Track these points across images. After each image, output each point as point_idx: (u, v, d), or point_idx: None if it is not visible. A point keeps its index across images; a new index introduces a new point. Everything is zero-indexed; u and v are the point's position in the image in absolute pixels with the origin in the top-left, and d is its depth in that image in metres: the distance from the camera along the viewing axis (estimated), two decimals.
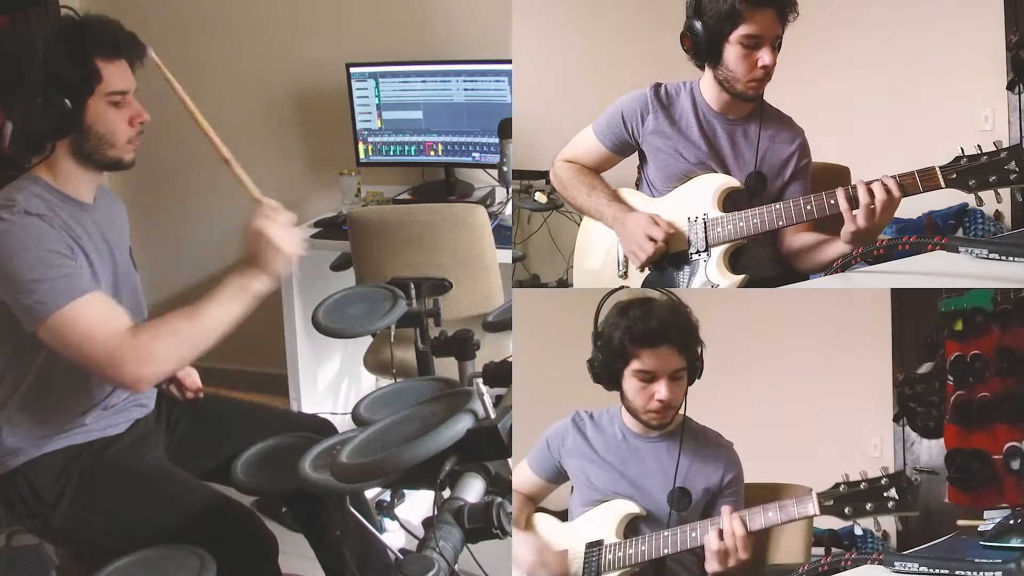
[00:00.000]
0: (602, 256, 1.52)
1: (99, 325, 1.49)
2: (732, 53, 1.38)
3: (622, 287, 1.42)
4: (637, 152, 1.52)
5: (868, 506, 1.17)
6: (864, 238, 1.30)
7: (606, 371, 1.38)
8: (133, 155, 1.69)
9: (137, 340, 1.50)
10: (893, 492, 1.16)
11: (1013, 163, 1.21)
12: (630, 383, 1.37)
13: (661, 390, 1.34)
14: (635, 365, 1.35)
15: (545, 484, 1.47)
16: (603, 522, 1.38)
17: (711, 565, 1.24)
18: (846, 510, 1.19)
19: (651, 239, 1.41)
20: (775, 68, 1.38)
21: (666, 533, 1.31)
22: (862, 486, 1.18)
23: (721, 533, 1.23)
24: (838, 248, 1.36)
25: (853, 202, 1.28)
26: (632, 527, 1.37)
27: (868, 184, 1.27)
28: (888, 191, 1.25)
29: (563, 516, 1.47)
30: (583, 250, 1.58)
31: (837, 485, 1.20)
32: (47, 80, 1.53)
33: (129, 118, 1.65)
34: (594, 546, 1.36)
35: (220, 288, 1.57)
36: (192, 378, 1.92)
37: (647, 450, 1.42)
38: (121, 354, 1.48)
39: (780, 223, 1.36)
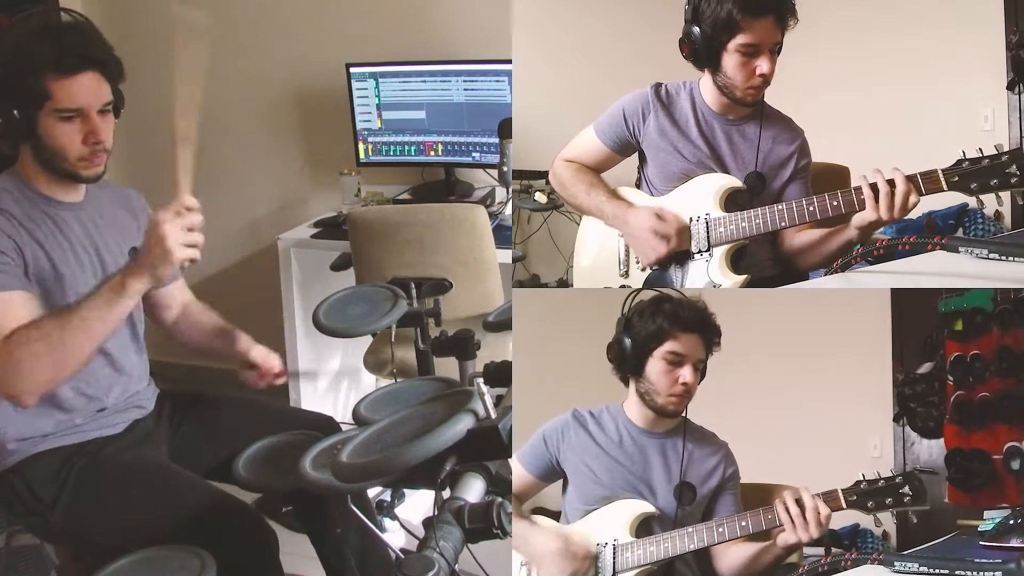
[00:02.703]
0: (602, 255, 1.52)
1: None
2: (730, 61, 1.37)
3: (644, 288, 1.43)
4: (637, 152, 1.52)
5: (888, 500, 1.26)
6: (876, 229, 1.30)
7: (635, 353, 1.40)
8: (94, 171, 1.65)
9: (8, 353, 1.45)
10: (907, 489, 1.26)
11: (1014, 166, 1.21)
12: (656, 365, 1.39)
13: (686, 374, 1.39)
14: (667, 347, 1.38)
15: (536, 482, 1.47)
16: (615, 522, 1.38)
17: (809, 531, 1.26)
18: (869, 504, 1.27)
19: (663, 236, 1.41)
20: (775, 73, 1.37)
21: (689, 529, 1.34)
22: (880, 483, 1.27)
23: (798, 503, 1.27)
24: (840, 238, 1.36)
25: (876, 194, 1.27)
26: (643, 526, 1.38)
27: (889, 179, 1.26)
28: (911, 186, 1.25)
29: (556, 517, 1.47)
30: (582, 249, 1.58)
31: (858, 483, 1.28)
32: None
33: (84, 135, 1.60)
34: (608, 545, 1.36)
35: (97, 287, 1.54)
36: (270, 362, 1.87)
37: (651, 446, 1.43)
38: None
39: (783, 224, 1.36)
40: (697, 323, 1.39)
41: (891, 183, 1.25)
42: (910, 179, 1.25)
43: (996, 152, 1.22)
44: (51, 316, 1.52)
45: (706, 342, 1.40)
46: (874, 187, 1.27)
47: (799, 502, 1.27)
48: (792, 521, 1.27)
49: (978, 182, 1.22)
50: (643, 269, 1.45)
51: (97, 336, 1.52)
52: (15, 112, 1.56)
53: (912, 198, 1.25)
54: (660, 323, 1.39)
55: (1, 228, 1.56)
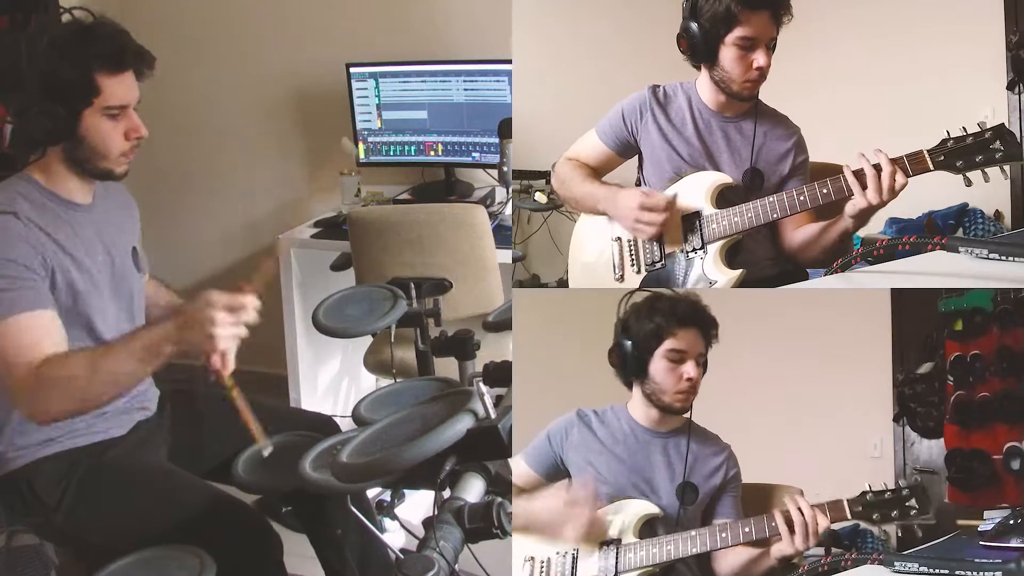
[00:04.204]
0: (597, 259, 1.52)
1: (18, 350, 1.45)
2: (728, 55, 1.39)
3: (641, 289, 1.43)
4: (637, 155, 1.53)
5: (894, 513, 1.26)
6: (869, 215, 1.31)
7: (636, 355, 1.40)
8: (126, 167, 1.68)
9: (37, 380, 1.44)
10: (914, 502, 1.25)
11: (998, 142, 1.23)
12: (659, 364, 1.40)
13: (690, 369, 1.39)
14: (668, 345, 1.39)
15: (540, 480, 1.47)
16: (619, 522, 1.38)
17: (795, 544, 1.26)
18: (874, 516, 1.26)
19: (651, 208, 1.41)
20: (770, 68, 1.39)
21: (692, 533, 1.34)
22: (887, 495, 1.27)
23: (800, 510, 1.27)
24: (837, 229, 1.37)
25: (862, 180, 1.28)
26: (647, 527, 1.38)
27: (875, 164, 1.28)
28: (896, 167, 1.27)
29: None
30: (577, 254, 1.58)
31: (864, 493, 1.28)
32: (44, 87, 1.52)
33: (125, 131, 1.63)
34: (611, 545, 1.36)
35: (134, 339, 1.51)
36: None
37: (655, 445, 1.44)
38: (18, 388, 1.45)
39: (774, 215, 1.38)
40: (693, 317, 1.40)
41: (877, 167, 1.27)
42: (896, 161, 1.27)
43: (980, 129, 1.24)
44: (83, 356, 1.50)
45: (704, 335, 1.41)
46: (859, 173, 1.28)
47: (800, 511, 1.27)
48: (790, 532, 1.27)
49: (964, 159, 1.24)
50: (646, 271, 1.46)
51: (123, 387, 1.53)
52: (61, 110, 1.54)
53: (899, 179, 1.26)
54: (658, 321, 1.39)
55: (28, 240, 1.53)
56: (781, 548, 1.28)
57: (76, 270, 1.62)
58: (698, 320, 1.40)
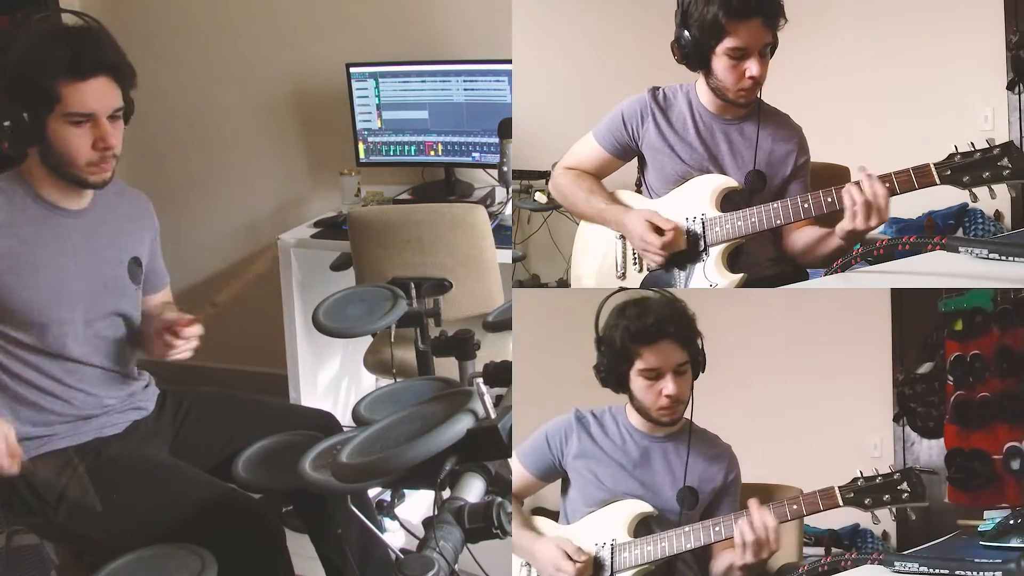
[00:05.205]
0: (599, 259, 1.52)
1: None
2: (720, 64, 1.38)
3: (619, 289, 1.42)
4: (637, 157, 1.52)
5: (885, 497, 1.26)
6: (861, 235, 1.30)
7: (612, 374, 1.39)
8: (101, 177, 1.63)
9: None
10: (905, 486, 1.25)
11: (1006, 159, 1.22)
12: (637, 382, 1.38)
13: (668, 386, 1.36)
14: (639, 364, 1.36)
15: (536, 481, 1.47)
16: (613, 522, 1.38)
17: (745, 556, 1.26)
18: (866, 501, 1.26)
19: (657, 231, 1.40)
20: (768, 73, 1.37)
21: (686, 529, 1.34)
22: (878, 480, 1.27)
23: (752, 525, 1.26)
24: (830, 244, 1.36)
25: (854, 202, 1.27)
26: (642, 526, 1.38)
27: (870, 180, 1.27)
28: (888, 186, 1.26)
29: (555, 517, 1.47)
30: (580, 254, 1.58)
31: (855, 480, 1.28)
32: (8, 87, 1.52)
33: (93, 141, 1.59)
34: (606, 545, 1.36)
35: None
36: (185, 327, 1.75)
37: (654, 449, 1.43)
38: None
39: (778, 221, 1.37)
40: (658, 330, 1.34)
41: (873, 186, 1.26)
42: (901, 174, 1.26)
43: (988, 146, 1.23)
44: None
45: (681, 342, 1.35)
46: (852, 194, 1.27)
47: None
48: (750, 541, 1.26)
49: (970, 175, 1.23)
50: (648, 271, 1.45)
51: None
52: (24, 115, 1.53)
53: (881, 202, 1.26)
54: (622, 341, 1.35)
55: None
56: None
57: (32, 271, 1.61)
58: (667, 332, 1.34)
